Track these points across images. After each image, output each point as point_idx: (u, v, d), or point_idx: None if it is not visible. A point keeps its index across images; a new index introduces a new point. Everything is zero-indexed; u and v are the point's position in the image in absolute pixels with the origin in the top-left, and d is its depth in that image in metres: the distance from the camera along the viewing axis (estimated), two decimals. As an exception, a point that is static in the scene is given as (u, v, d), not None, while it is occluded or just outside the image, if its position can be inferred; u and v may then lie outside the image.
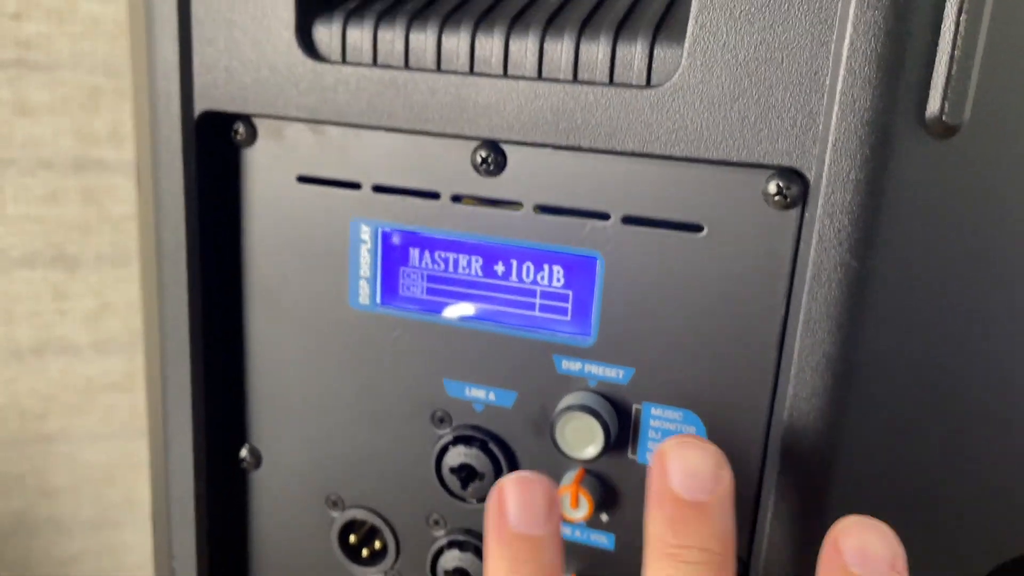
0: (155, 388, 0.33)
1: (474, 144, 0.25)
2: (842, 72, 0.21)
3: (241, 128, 0.27)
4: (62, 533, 0.69)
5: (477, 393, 0.27)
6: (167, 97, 0.26)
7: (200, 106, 0.26)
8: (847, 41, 0.20)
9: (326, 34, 0.25)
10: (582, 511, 0.26)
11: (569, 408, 0.25)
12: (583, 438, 0.25)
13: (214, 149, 0.27)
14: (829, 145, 0.21)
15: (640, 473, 0.26)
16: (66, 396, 0.66)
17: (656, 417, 0.25)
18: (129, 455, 0.70)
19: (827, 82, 0.21)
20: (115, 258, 0.65)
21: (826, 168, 0.21)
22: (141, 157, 0.35)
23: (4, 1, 0.58)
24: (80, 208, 0.63)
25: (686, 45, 0.22)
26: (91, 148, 0.62)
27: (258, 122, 0.27)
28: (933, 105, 0.20)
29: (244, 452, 0.29)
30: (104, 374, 0.67)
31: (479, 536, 0.28)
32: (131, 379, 0.68)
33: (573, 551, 0.27)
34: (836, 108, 0.21)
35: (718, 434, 0.25)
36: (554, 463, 0.27)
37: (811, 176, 0.22)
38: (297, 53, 0.25)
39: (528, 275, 0.26)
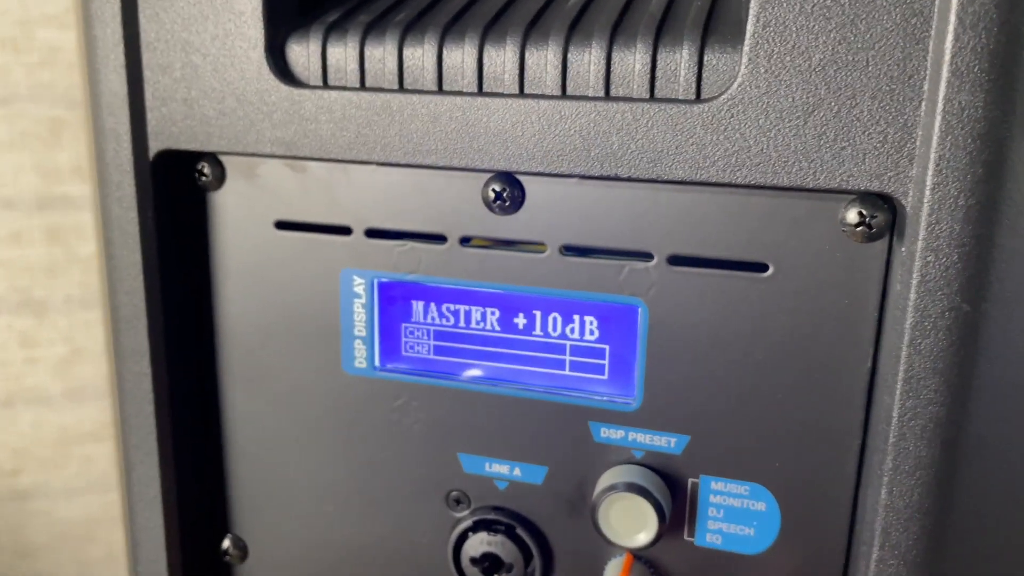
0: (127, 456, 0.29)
1: (486, 177, 0.21)
2: (945, 74, 0.17)
3: (207, 168, 0.22)
4: (41, 596, 0.65)
5: (500, 468, 0.23)
6: (116, 137, 0.21)
7: (156, 145, 0.22)
8: (950, 36, 0.16)
9: (302, 53, 0.21)
10: (635, 610, 0.21)
11: (613, 487, 0.21)
12: (632, 523, 0.21)
13: (175, 194, 0.23)
14: (931, 164, 0.17)
15: (699, 558, 0.22)
16: (39, 449, 0.62)
17: (717, 492, 0.21)
18: (108, 508, 0.65)
19: (925, 87, 0.17)
20: (85, 300, 0.60)
21: (927, 192, 0.17)
22: (98, 199, 0.31)
23: (-48, 30, 0.54)
24: (46, 249, 0.59)
25: (745, 49, 0.18)
26: (55, 184, 0.58)
27: (226, 160, 0.23)
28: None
29: (227, 543, 0.25)
30: (79, 423, 0.62)
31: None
32: (107, 428, 0.63)
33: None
34: (938, 119, 0.17)
35: (793, 510, 0.21)
36: (595, 548, 0.22)
37: (907, 202, 0.18)
38: (269, 77, 0.21)
39: (556, 328, 0.22)
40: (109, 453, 0.64)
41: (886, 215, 0.19)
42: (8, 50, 0.55)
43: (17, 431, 0.61)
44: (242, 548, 0.25)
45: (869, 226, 0.19)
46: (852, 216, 0.19)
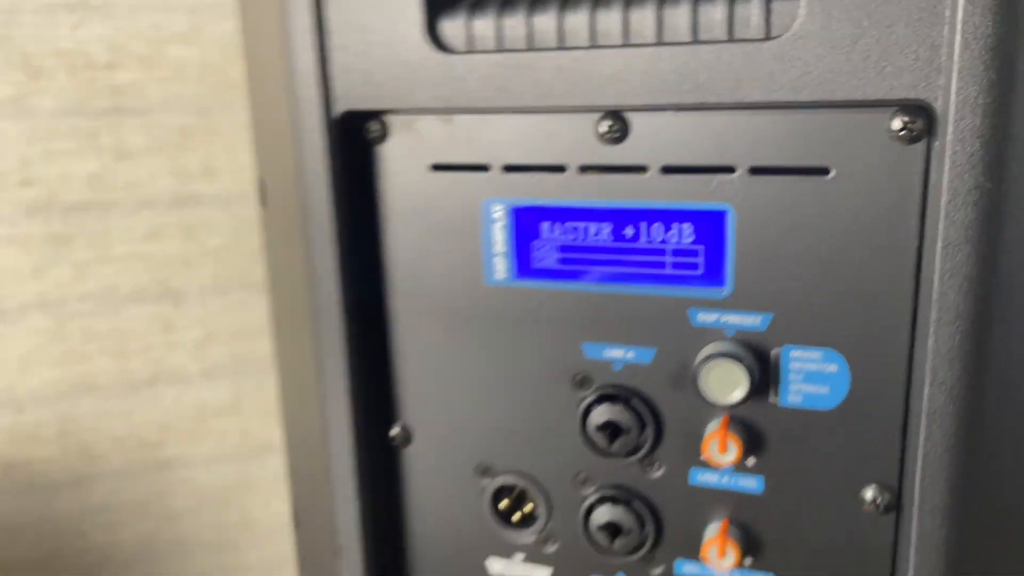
0: (291, 380, 0.36)
1: (598, 115, 0.26)
2: (961, 2, 0.22)
3: (374, 126, 0.29)
4: (185, 555, 0.72)
5: (615, 353, 0.28)
6: (308, 103, 0.28)
7: (339, 108, 0.28)
8: (963, -27, 0.21)
9: (452, 27, 0.27)
10: (731, 455, 0.27)
11: (711, 356, 0.26)
12: (727, 384, 0.26)
13: (350, 149, 0.29)
14: (954, 74, 0.22)
15: (784, 417, 0.27)
16: (180, 423, 0.70)
17: (796, 359, 0.26)
18: (242, 476, 0.72)
19: (947, 13, 0.22)
20: (216, 288, 0.68)
21: (953, 97, 0.22)
22: (268, 170, 0.37)
23: (96, 53, 0.62)
24: (181, 243, 0.66)
25: (802, -4, 0.23)
26: (186, 184, 0.65)
27: (389, 119, 0.29)
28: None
29: (395, 430, 0.31)
30: (214, 400, 0.70)
31: (628, 491, 0.29)
32: (239, 403, 0.70)
33: (724, 497, 0.28)
34: (958, 38, 0.22)
35: (860, 368, 0.26)
36: (696, 414, 0.28)
37: (938, 107, 0.23)
38: (427, 48, 0.27)
39: (658, 235, 0.27)
40: (241, 426, 0.71)
41: (923, 120, 0.24)
42: (144, 67, 0.63)
43: (161, 407, 0.69)
44: (408, 433, 0.31)
45: (910, 130, 0.24)
46: (897, 124, 0.24)
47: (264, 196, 0.37)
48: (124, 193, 0.64)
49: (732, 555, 0.27)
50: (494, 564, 0.31)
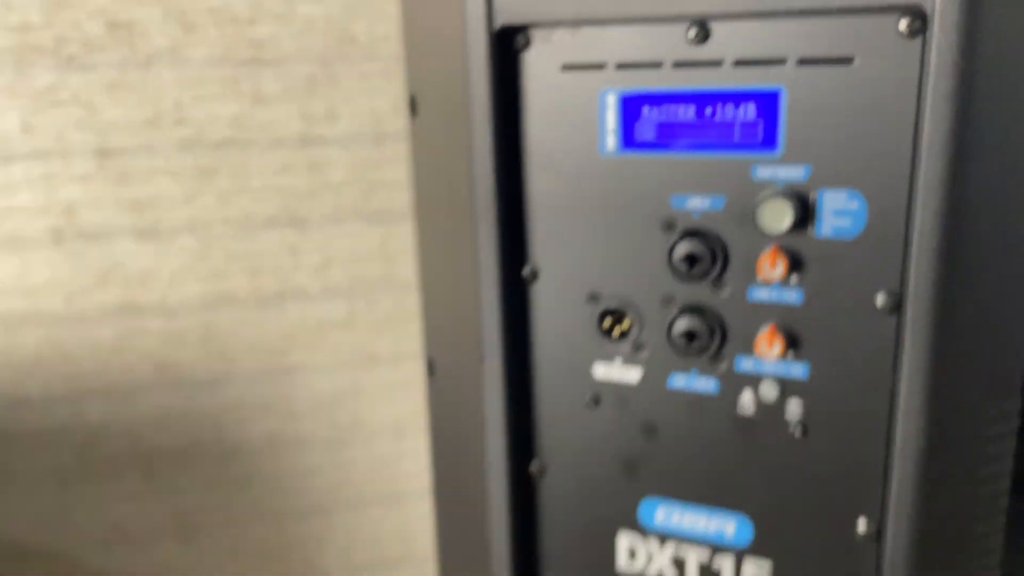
0: (433, 241, 0.46)
1: (687, 23, 0.37)
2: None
3: (521, 38, 0.39)
4: (303, 450, 0.84)
5: (695, 203, 0.39)
6: (475, 20, 0.39)
7: (497, 23, 0.39)
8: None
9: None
10: (778, 272, 0.37)
11: (767, 198, 0.36)
12: (778, 218, 0.36)
13: (502, 56, 0.40)
14: (939, -17, 0.32)
15: (818, 244, 0.37)
16: (303, 335, 0.81)
17: (828, 200, 0.37)
18: (354, 383, 0.83)
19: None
20: (335, 218, 0.79)
21: (938, 3, 0.32)
22: (421, 84, 0.47)
23: (240, 10, 0.74)
24: (307, 177, 0.78)
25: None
26: (312, 127, 0.77)
27: (532, 31, 0.40)
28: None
29: (526, 271, 0.42)
30: (331, 315, 0.81)
31: (702, 306, 0.39)
32: (352, 319, 0.82)
33: (773, 308, 0.38)
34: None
35: (875, 204, 0.36)
36: (754, 245, 0.38)
37: (929, 10, 0.33)
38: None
39: (729, 112, 0.37)
40: (353, 340, 0.82)
41: (920, 21, 0.34)
42: (279, 23, 0.74)
43: (287, 320, 0.80)
44: (535, 272, 0.41)
45: (912, 28, 0.34)
46: (903, 24, 0.34)
47: (415, 107, 0.48)
48: (260, 133, 0.76)
49: (778, 347, 0.37)
50: (599, 368, 0.42)
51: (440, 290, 0.46)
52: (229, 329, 0.79)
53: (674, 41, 0.37)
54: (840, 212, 0.36)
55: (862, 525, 0.38)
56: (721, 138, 0.38)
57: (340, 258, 0.80)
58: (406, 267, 0.82)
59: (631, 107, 0.39)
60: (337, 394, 0.83)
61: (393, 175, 0.79)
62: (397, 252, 0.81)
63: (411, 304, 0.83)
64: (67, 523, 0.79)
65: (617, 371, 0.41)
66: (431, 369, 0.49)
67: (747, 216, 0.38)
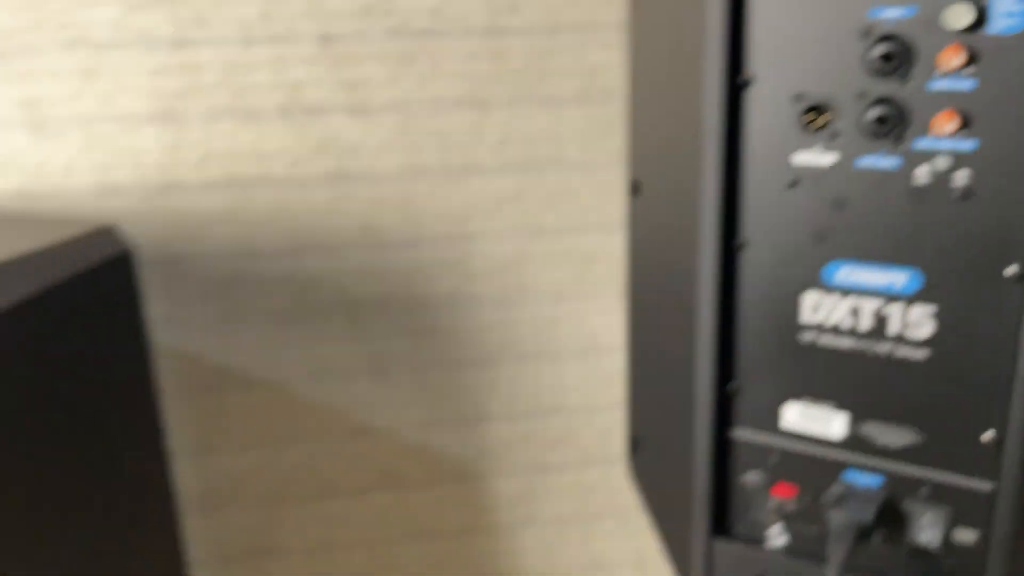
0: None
1: None
2: None
3: None
4: (477, 307, 0.96)
5: (890, 13, 0.49)
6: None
7: None
8: None
9: None
10: (957, 62, 0.47)
11: (950, 2, 0.47)
12: (959, 17, 0.47)
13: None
14: None
15: (990, 40, 0.47)
16: (481, 205, 0.93)
17: (999, 3, 0.47)
18: (523, 250, 0.95)
19: None
20: (513, 101, 0.91)
21: None
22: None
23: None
24: (490, 64, 0.90)
25: None
26: (496, 18, 0.88)
27: None
28: None
29: (742, 78, 0.53)
30: (506, 188, 0.93)
31: (889, 98, 0.50)
32: (523, 193, 0.93)
33: (950, 96, 0.48)
34: None
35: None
36: (937, 42, 0.48)
37: None
38: None
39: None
40: (523, 210, 0.94)
41: None
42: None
43: (469, 192, 0.93)
44: (750, 79, 0.53)
45: None
46: None
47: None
48: (453, 24, 0.88)
49: (953, 125, 0.48)
50: (798, 156, 0.53)
51: (650, 112, 0.57)
52: (422, 198, 0.92)
53: None
54: (1009, 13, 0.46)
55: (1011, 270, 0.48)
56: None
57: (515, 137, 0.93)
58: (573, 148, 0.93)
59: None
60: (507, 260, 0.96)
61: (565, 64, 0.91)
62: (566, 134, 0.93)
63: (575, 182, 0.94)
64: (283, 358, 0.94)
65: (814, 157, 0.52)
66: (636, 190, 0.60)
67: (933, 21, 0.48)
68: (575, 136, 0.92)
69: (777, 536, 0.47)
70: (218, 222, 0.88)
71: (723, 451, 0.48)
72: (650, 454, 0.60)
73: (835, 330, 0.51)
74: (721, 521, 0.49)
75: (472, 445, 0.99)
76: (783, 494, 0.47)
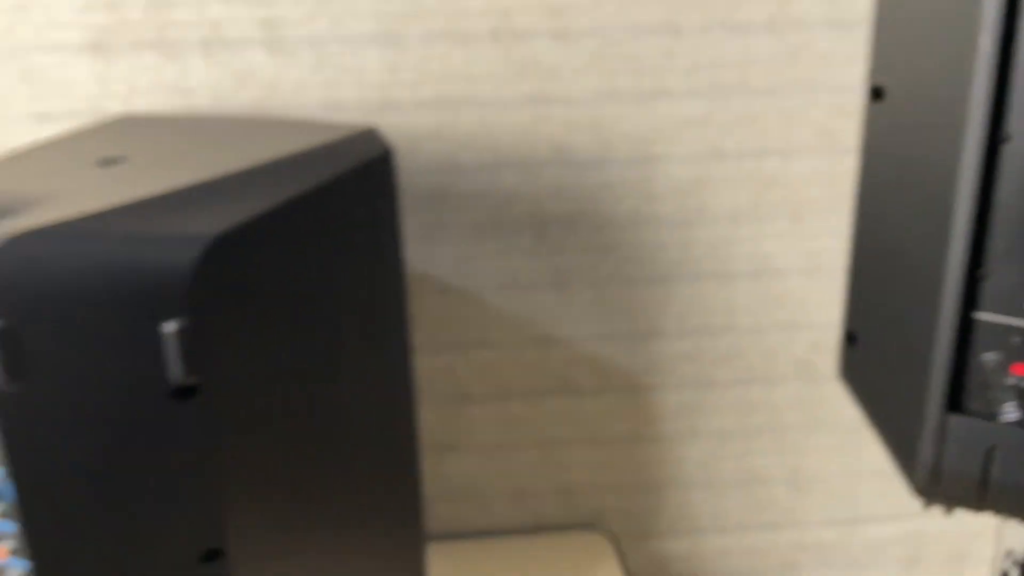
0: None
1: None
2: None
3: None
4: (657, 227, 1.02)
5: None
6: None
7: None
8: None
9: None
10: None
11: None
12: None
13: None
14: None
15: None
16: (666, 129, 0.98)
17: None
18: (703, 174, 1.00)
19: None
20: (704, 27, 0.94)
21: None
22: None
23: None
24: (686, -6, 0.93)
25: None
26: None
27: None
28: None
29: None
30: (692, 113, 0.97)
31: None
32: (709, 118, 0.97)
33: None
34: None
35: None
36: None
37: None
38: None
39: None
40: (708, 135, 0.98)
41: None
42: None
43: (656, 115, 0.97)
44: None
45: None
46: None
47: None
48: (653, -45, 0.91)
49: None
50: None
51: (900, 18, 0.61)
52: (611, 120, 0.98)
53: None
54: None
55: None
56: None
57: (704, 63, 0.97)
58: (759, 75, 0.97)
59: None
60: (688, 182, 1.01)
61: (758, -8, 0.94)
62: (753, 61, 0.96)
63: (758, 108, 0.98)
64: (476, 268, 1.02)
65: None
66: (878, 95, 0.64)
67: None
68: (762, 63, 0.96)
69: (1011, 411, 0.51)
70: (426, 139, 0.95)
71: (965, 332, 0.53)
72: (868, 345, 0.65)
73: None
74: (955, 398, 0.54)
75: (643, 358, 1.06)
76: (1022, 372, 0.52)
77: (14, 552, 0.58)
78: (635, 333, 1.05)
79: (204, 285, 0.56)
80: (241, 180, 0.63)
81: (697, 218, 1.01)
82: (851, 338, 0.68)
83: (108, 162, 0.66)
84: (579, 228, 1.00)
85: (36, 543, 0.56)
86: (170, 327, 0.55)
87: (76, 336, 0.54)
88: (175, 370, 0.56)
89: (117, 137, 0.73)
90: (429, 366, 1.03)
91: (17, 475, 0.55)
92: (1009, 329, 0.51)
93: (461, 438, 1.07)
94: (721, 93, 0.97)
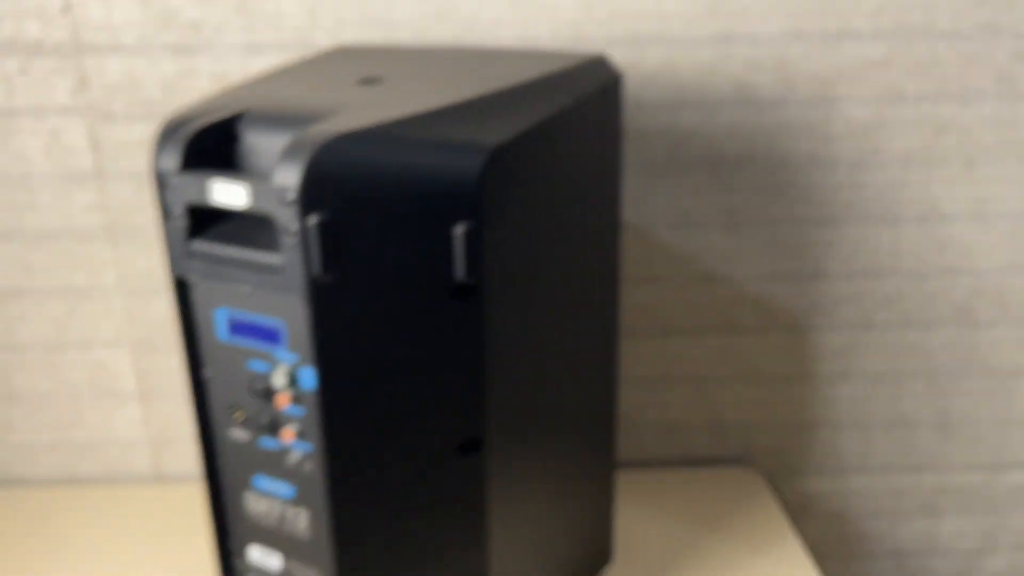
0: None
1: None
2: None
3: None
4: (831, 169, 1.03)
5: None
6: None
7: None
8: None
9: None
10: None
11: None
12: None
13: None
14: None
15: None
16: (848, 71, 0.99)
17: None
18: (879, 117, 1.00)
19: None
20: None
21: None
22: None
23: None
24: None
25: None
26: None
27: None
28: None
29: None
30: (874, 55, 0.98)
31: None
32: (890, 60, 0.98)
33: None
34: None
35: None
36: None
37: None
38: None
39: None
40: (888, 79, 0.99)
41: None
42: None
43: (839, 56, 0.98)
44: None
45: None
46: None
47: None
48: None
49: None
50: None
51: None
52: (795, 60, 0.99)
53: None
54: None
55: None
56: None
57: (891, 5, 0.98)
58: (945, 18, 0.98)
59: None
60: (865, 124, 1.02)
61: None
62: (939, 3, 0.97)
63: (941, 52, 0.99)
64: (649, 206, 1.04)
65: None
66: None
67: None
68: (947, 4, 0.97)
69: None
70: (612, 76, 0.98)
71: None
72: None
73: None
74: None
75: (806, 299, 1.08)
76: None
77: (299, 435, 0.64)
78: (800, 273, 1.07)
79: (489, 191, 0.60)
80: (500, 100, 0.67)
81: (870, 161, 1.03)
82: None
83: (368, 82, 0.70)
84: (753, 168, 1.02)
85: (328, 427, 0.62)
86: (460, 229, 0.60)
87: (378, 233, 0.59)
88: (460, 269, 0.61)
89: (353, 63, 0.77)
90: (599, 299, 1.06)
91: (322, 360, 0.60)
92: None
93: (621, 371, 1.10)
94: (905, 35, 0.98)
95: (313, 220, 0.55)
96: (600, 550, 0.89)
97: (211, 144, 0.61)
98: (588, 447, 0.83)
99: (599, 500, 0.87)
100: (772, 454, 1.15)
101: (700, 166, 1.02)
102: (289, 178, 0.55)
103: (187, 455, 1.11)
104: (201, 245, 0.61)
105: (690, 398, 1.12)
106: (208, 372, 0.66)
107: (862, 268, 1.06)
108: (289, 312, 0.60)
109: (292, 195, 0.55)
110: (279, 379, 0.61)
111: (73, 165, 0.98)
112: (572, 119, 0.69)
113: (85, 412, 1.09)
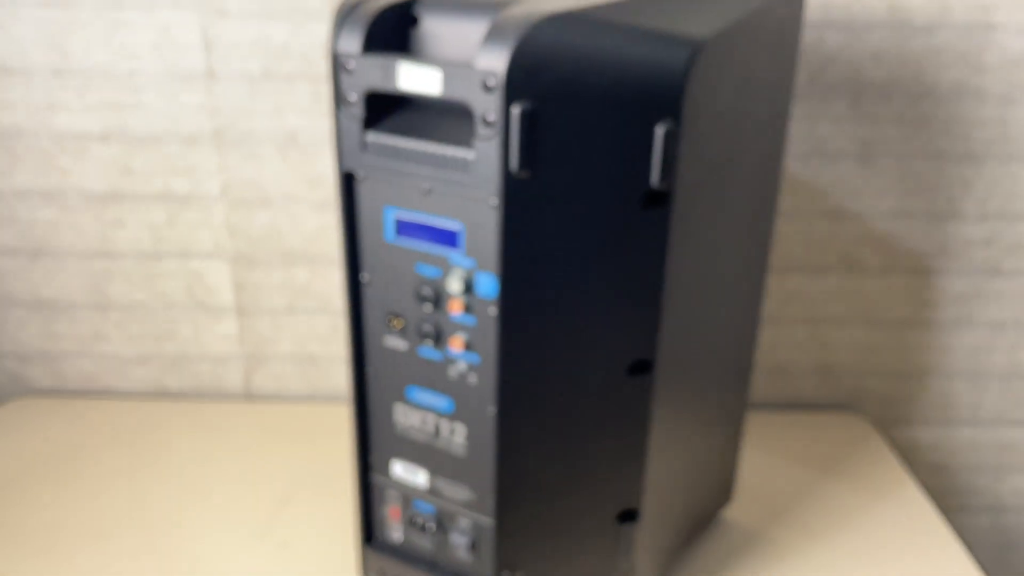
0: None
1: None
2: None
3: None
4: (979, 102, 0.96)
5: None
6: None
7: None
8: None
9: None
10: None
11: None
12: None
13: None
14: None
15: None
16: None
17: None
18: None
19: None
20: None
21: None
22: None
23: None
24: None
25: None
26: None
27: None
28: None
29: None
30: (1039, -21, 0.90)
31: None
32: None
33: None
34: None
35: None
36: None
37: None
38: None
39: None
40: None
41: None
42: None
43: (999, -20, 0.90)
44: None
45: None
46: None
47: None
48: None
49: None
50: None
51: None
52: (953, -18, 0.92)
53: None
54: None
55: None
56: None
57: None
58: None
59: None
60: (1021, 55, 0.95)
61: None
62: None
63: (1112, -23, 0.92)
64: (783, 134, 0.98)
65: None
66: None
67: None
68: None
69: None
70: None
71: None
72: None
73: None
74: None
75: (934, 240, 1.03)
76: None
77: (468, 346, 0.60)
78: (932, 213, 1.02)
79: (692, 89, 0.55)
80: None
81: (1021, 95, 0.96)
82: None
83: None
84: (896, 97, 0.96)
85: (504, 338, 0.58)
86: (660, 129, 0.55)
87: (576, 129, 0.54)
88: (656, 174, 0.56)
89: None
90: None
91: (505, 266, 0.55)
92: None
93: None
94: (1077, -42, 0.90)
95: (516, 109, 0.50)
96: (724, 489, 0.86)
97: (389, 28, 0.56)
98: (730, 384, 0.79)
99: (731, 438, 0.83)
100: (879, 401, 1.11)
101: (840, 92, 0.96)
102: (495, 62, 0.50)
103: (280, 375, 1.08)
104: (377, 136, 0.56)
105: (801, 340, 1.08)
106: (366, 275, 0.62)
107: (996, 210, 1.01)
108: (470, 213, 0.55)
109: (496, 80, 0.50)
110: (454, 284, 0.57)
111: (183, 64, 0.93)
112: (765, 21, 0.64)
113: (179, 325, 1.06)
